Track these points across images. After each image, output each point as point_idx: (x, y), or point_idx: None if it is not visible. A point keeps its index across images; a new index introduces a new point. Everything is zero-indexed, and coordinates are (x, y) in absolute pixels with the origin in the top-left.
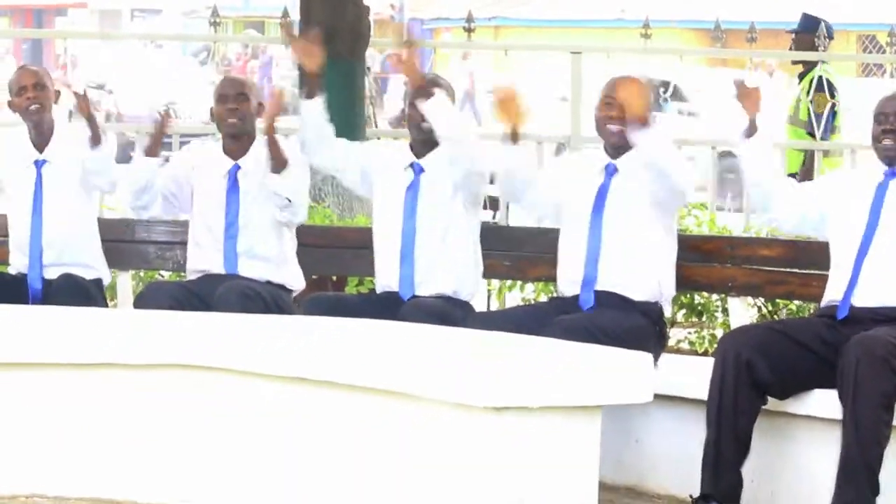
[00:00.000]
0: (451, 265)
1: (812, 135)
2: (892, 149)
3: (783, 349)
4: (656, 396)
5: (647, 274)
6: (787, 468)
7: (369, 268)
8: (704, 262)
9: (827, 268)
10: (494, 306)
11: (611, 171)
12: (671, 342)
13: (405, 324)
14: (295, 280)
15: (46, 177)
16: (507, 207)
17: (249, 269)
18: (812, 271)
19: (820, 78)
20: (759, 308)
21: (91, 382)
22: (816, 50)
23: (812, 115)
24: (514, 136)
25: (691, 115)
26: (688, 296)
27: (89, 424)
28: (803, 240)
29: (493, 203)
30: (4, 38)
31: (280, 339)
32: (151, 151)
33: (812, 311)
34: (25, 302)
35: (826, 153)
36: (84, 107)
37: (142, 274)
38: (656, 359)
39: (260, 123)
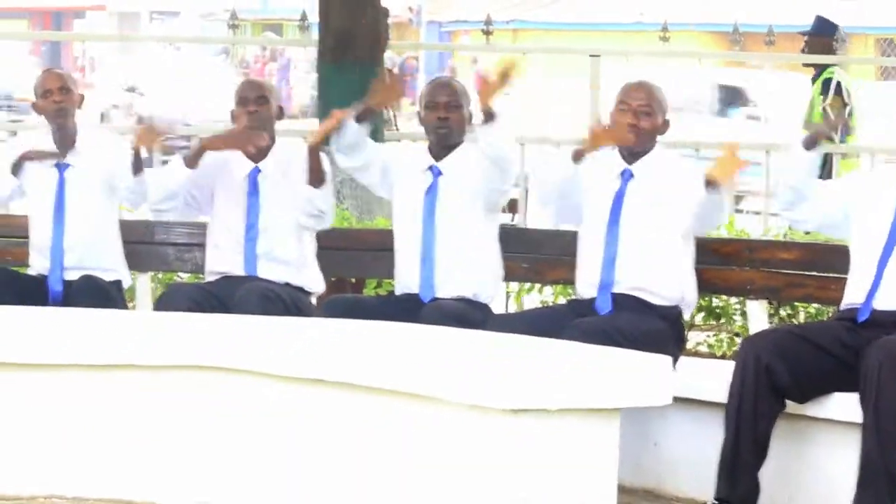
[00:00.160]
0: (471, 268)
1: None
2: None
3: (802, 353)
4: (674, 399)
5: (665, 277)
6: (805, 472)
7: (388, 270)
8: (723, 265)
9: (845, 271)
10: (512, 309)
11: (627, 177)
12: (689, 345)
13: (423, 326)
14: (314, 283)
15: (69, 180)
16: (526, 210)
17: (269, 271)
18: (830, 274)
19: (832, 80)
20: (777, 311)
21: (110, 383)
22: (829, 53)
23: (827, 117)
24: (487, 114)
25: (757, 119)
26: (706, 299)
27: (109, 425)
28: (822, 243)
29: (511, 205)
30: (24, 40)
31: (298, 341)
32: (192, 163)
33: (830, 314)
34: (45, 303)
35: (843, 155)
36: (146, 138)
37: (160, 276)
38: (674, 362)
39: (280, 126)
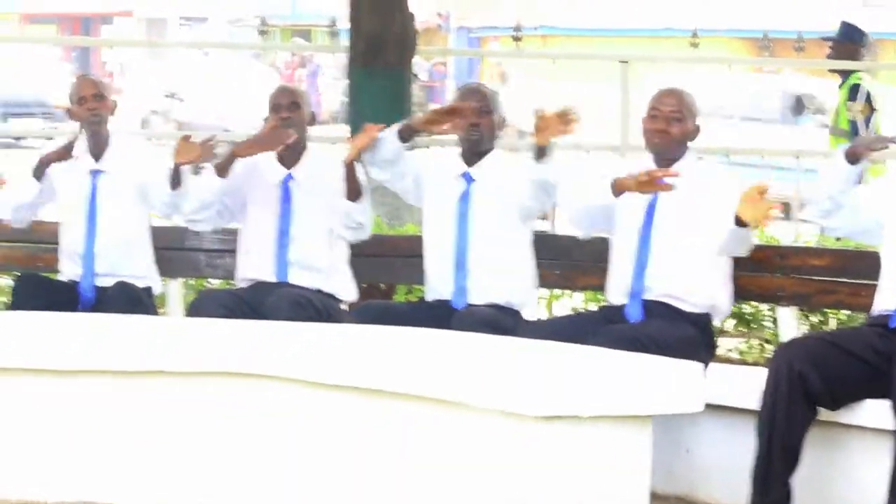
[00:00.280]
0: (504, 275)
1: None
2: None
3: (835, 360)
4: (706, 406)
5: (696, 285)
6: (838, 479)
7: (419, 276)
8: (754, 271)
9: (876, 278)
10: (543, 315)
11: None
12: (719, 351)
13: (454, 332)
14: (346, 290)
15: (101, 187)
16: (555, 216)
17: (300, 278)
18: (862, 281)
19: (857, 86)
20: (808, 317)
21: (141, 390)
22: (855, 58)
23: (856, 123)
24: (542, 151)
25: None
26: (736, 305)
27: (139, 431)
28: (852, 249)
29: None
30: (54, 45)
31: (329, 348)
32: (222, 172)
33: (861, 321)
34: (75, 309)
35: (871, 160)
36: (185, 153)
37: (191, 282)
38: (705, 368)
39: (314, 133)
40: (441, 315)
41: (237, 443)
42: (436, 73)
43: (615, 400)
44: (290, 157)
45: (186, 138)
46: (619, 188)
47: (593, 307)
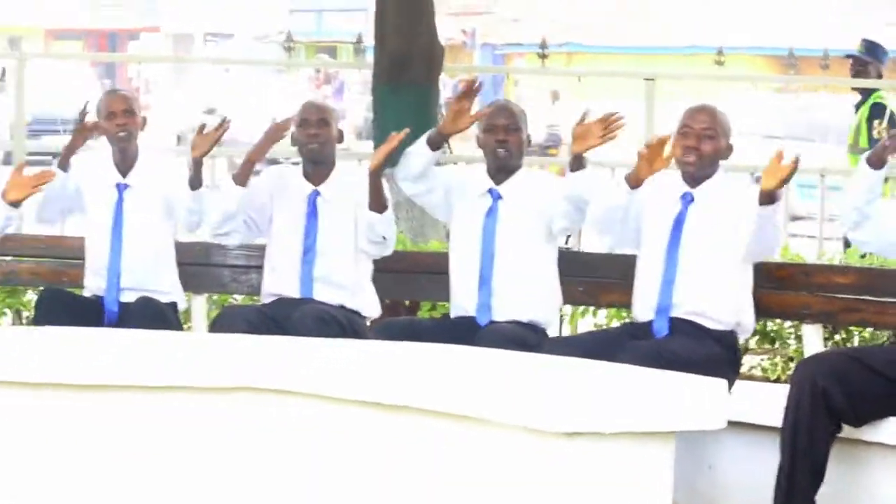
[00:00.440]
0: (529, 292)
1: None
2: None
3: (858, 376)
4: (729, 423)
5: (722, 302)
6: (861, 496)
7: (443, 292)
8: (779, 289)
9: None
10: (567, 332)
11: (688, 200)
12: (743, 369)
13: (477, 348)
14: (370, 307)
15: (128, 202)
16: (580, 233)
17: (325, 294)
18: (886, 299)
19: (879, 105)
20: (833, 335)
21: (165, 405)
22: (877, 76)
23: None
24: (579, 160)
25: None
26: (760, 322)
27: (164, 446)
28: (877, 267)
29: None
30: (81, 60)
31: (353, 364)
32: (241, 181)
33: (886, 339)
34: (100, 324)
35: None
36: (201, 145)
37: (215, 297)
38: (730, 386)
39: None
40: (465, 331)
41: (260, 458)
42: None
43: (638, 416)
44: (317, 173)
45: (200, 131)
46: (633, 180)
47: (617, 323)
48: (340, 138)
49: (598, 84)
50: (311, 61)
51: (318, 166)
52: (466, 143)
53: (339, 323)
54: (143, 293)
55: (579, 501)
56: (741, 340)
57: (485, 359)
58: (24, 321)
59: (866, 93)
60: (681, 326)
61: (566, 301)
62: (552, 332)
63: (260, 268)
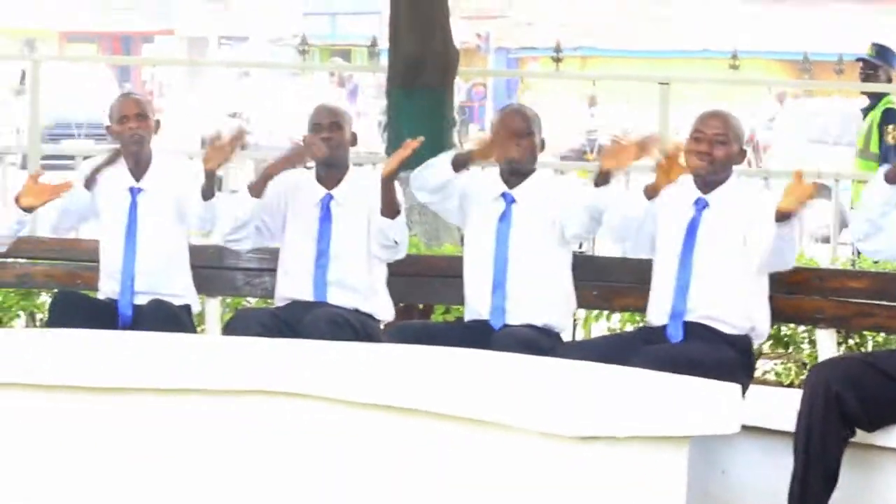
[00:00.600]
0: (543, 296)
1: None
2: None
3: (872, 381)
4: (742, 428)
5: (736, 307)
6: (874, 501)
7: (457, 296)
8: (793, 293)
9: None
10: (580, 336)
11: (701, 206)
12: (757, 373)
13: (491, 352)
14: (384, 311)
15: (142, 205)
16: (594, 237)
17: (338, 297)
18: None
19: (891, 110)
20: (846, 340)
21: (179, 407)
22: (887, 81)
23: (889, 147)
24: (606, 177)
25: None
26: (774, 327)
27: (177, 449)
28: (891, 272)
29: None
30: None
31: (366, 367)
32: (256, 193)
33: None
34: (114, 327)
35: None
36: (215, 157)
37: (229, 300)
38: (744, 391)
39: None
40: (479, 335)
41: (274, 461)
42: (474, 94)
43: (652, 420)
44: (331, 177)
45: (214, 141)
46: (651, 191)
47: (630, 328)
48: (354, 141)
49: (612, 88)
50: (326, 64)
51: (331, 170)
52: None
53: (352, 326)
54: (157, 296)
55: None
56: (756, 345)
57: (499, 363)
58: (38, 324)
59: (875, 97)
60: (695, 331)
61: (580, 305)
62: (566, 337)
63: (273, 271)
